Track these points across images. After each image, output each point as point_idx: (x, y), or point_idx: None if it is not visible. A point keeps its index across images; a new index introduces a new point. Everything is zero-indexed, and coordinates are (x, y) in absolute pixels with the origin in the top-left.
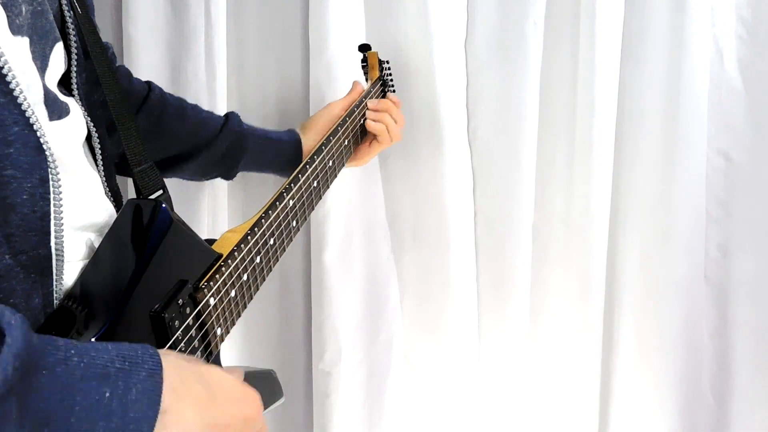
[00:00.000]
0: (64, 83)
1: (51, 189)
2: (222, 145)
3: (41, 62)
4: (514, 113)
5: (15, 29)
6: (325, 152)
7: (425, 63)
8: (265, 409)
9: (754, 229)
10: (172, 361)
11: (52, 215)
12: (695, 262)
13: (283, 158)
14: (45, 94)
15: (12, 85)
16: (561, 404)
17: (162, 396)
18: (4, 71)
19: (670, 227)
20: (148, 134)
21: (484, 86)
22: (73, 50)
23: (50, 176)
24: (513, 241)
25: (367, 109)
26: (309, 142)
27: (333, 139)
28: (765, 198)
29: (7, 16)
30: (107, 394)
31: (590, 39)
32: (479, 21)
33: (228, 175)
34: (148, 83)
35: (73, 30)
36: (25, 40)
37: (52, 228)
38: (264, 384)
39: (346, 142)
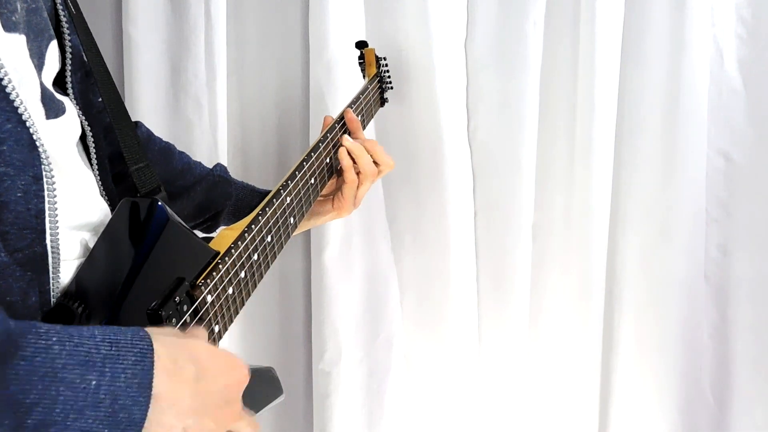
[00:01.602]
0: (59, 82)
1: (45, 186)
2: (206, 186)
3: (38, 60)
4: (514, 113)
5: (10, 26)
6: (321, 149)
7: (425, 63)
8: (265, 406)
9: (754, 229)
10: (164, 341)
11: (47, 213)
12: (695, 262)
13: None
14: (42, 92)
15: (4, 82)
16: (561, 404)
17: (153, 380)
18: None
19: (670, 227)
20: None
21: (484, 86)
22: (68, 49)
23: (44, 174)
24: (513, 241)
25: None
26: None
27: (330, 135)
28: (765, 198)
29: (1, 14)
30: (93, 382)
31: (590, 39)
32: (479, 21)
33: (214, 222)
34: (136, 122)
35: (67, 29)
36: (21, 38)
37: (47, 226)
38: (264, 381)
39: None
